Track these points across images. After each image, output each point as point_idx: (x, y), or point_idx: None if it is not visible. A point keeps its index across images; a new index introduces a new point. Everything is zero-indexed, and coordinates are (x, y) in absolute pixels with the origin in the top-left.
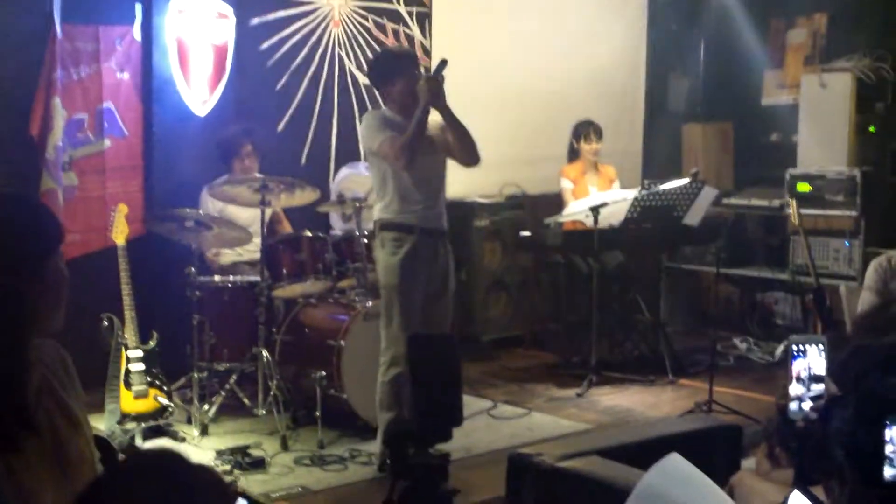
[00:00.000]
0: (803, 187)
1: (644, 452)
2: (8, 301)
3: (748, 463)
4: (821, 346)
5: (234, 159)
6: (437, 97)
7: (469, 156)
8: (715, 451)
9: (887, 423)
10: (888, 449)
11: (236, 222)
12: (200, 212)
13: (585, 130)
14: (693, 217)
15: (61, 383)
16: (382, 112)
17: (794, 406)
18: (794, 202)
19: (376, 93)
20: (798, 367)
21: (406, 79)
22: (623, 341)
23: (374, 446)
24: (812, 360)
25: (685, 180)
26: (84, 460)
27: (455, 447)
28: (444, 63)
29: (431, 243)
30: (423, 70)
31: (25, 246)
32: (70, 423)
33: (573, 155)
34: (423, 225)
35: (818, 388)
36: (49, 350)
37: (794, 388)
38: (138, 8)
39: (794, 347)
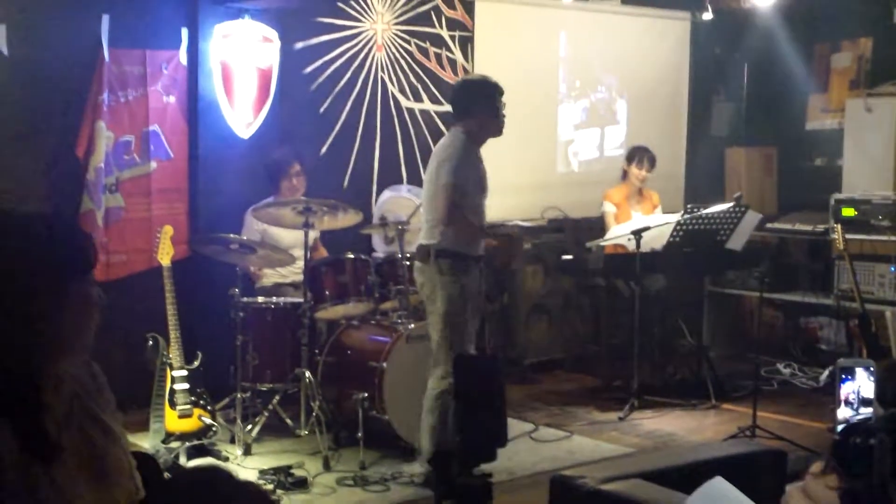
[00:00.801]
0: (848, 212)
1: (687, 477)
2: (24, 326)
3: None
4: (870, 370)
5: (283, 179)
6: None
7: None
8: (759, 476)
9: None
10: None
11: (279, 244)
12: (244, 235)
13: (640, 156)
14: (736, 242)
15: (92, 397)
16: (462, 138)
17: (841, 429)
18: (839, 227)
19: (453, 116)
20: (846, 390)
21: (487, 112)
22: (665, 365)
23: (417, 467)
24: (861, 383)
25: (728, 204)
26: (123, 470)
27: (497, 469)
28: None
29: (479, 269)
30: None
31: (44, 270)
32: (106, 435)
33: (624, 175)
34: (475, 254)
35: (867, 411)
36: (78, 364)
37: (842, 412)
38: (184, 32)
39: (842, 371)
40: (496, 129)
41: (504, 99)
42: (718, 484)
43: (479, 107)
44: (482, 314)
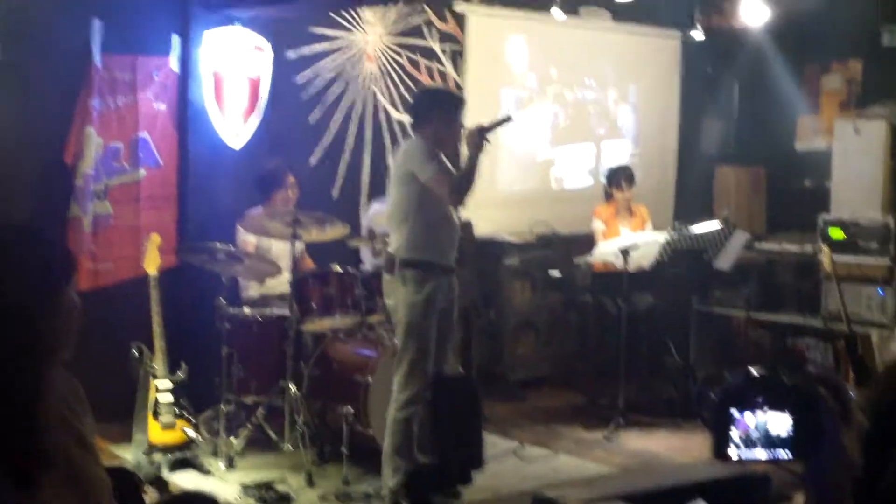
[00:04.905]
0: (836, 233)
1: (670, 499)
2: (23, 335)
3: None
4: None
5: (277, 190)
6: (481, 149)
7: (459, 199)
8: (743, 499)
9: None
10: None
11: (268, 255)
12: (231, 246)
13: (617, 178)
14: (725, 261)
15: (73, 412)
16: (423, 142)
17: None
18: (826, 248)
19: (409, 126)
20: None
21: (447, 121)
22: (652, 384)
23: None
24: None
25: (716, 224)
26: (103, 486)
27: (481, 487)
28: (507, 120)
29: (447, 281)
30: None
31: (39, 280)
32: (86, 451)
33: (609, 196)
34: (442, 263)
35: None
36: (60, 379)
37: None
38: (175, 39)
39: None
40: (451, 139)
41: (492, 111)
42: None
43: (435, 116)
44: (463, 331)
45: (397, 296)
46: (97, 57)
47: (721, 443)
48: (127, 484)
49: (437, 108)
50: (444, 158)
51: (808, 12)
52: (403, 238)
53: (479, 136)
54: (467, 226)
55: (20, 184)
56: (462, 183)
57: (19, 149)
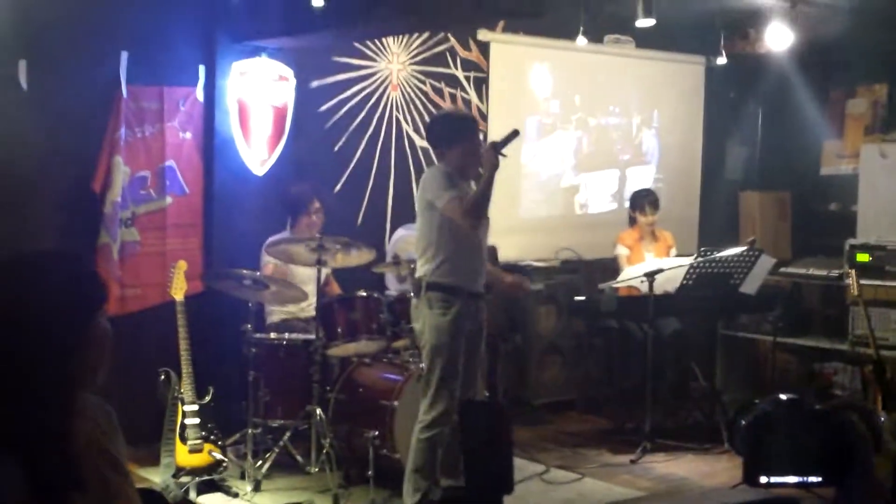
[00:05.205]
0: (863, 258)
1: None
2: (56, 362)
3: None
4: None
5: (303, 216)
6: (497, 166)
7: (473, 221)
8: None
9: None
10: None
11: (295, 279)
12: (258, 273)
13: (641, 202)
14: (750, 285)
15: (106, 436)
16: (445, 169)
17: None
18: (853, 272)
19: (432, 152)
20: None
21: (467, 143)
22: (678, 408)
23: None
24: None
25: (742, 248)
26: None
27: None
28: (515, 134)
29: (474, 305)
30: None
31: (72, 307)
32: (118, 474)
33: (633, 221)
34: (469, 288)
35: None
36: (94, 404)
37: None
38: (202, 70)
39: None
40: (472, 161)
41: (517, 139)
42: None
43: (453, 140)
44: (489, 356)
45: (423, 319)
46: (124, 88)
47: (752, 468)
48: None
49: (452, 133)
50: (466, 184)
51: (833, 36)
52: (429, 263)
53: (495, 152)
54: (493, 251)
55: (50, 212)
56: (476, 203)
57: (48, 178)
